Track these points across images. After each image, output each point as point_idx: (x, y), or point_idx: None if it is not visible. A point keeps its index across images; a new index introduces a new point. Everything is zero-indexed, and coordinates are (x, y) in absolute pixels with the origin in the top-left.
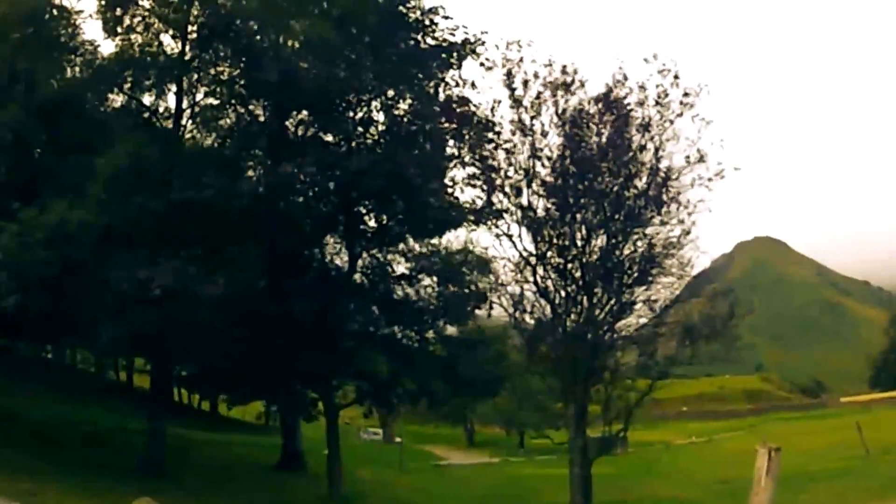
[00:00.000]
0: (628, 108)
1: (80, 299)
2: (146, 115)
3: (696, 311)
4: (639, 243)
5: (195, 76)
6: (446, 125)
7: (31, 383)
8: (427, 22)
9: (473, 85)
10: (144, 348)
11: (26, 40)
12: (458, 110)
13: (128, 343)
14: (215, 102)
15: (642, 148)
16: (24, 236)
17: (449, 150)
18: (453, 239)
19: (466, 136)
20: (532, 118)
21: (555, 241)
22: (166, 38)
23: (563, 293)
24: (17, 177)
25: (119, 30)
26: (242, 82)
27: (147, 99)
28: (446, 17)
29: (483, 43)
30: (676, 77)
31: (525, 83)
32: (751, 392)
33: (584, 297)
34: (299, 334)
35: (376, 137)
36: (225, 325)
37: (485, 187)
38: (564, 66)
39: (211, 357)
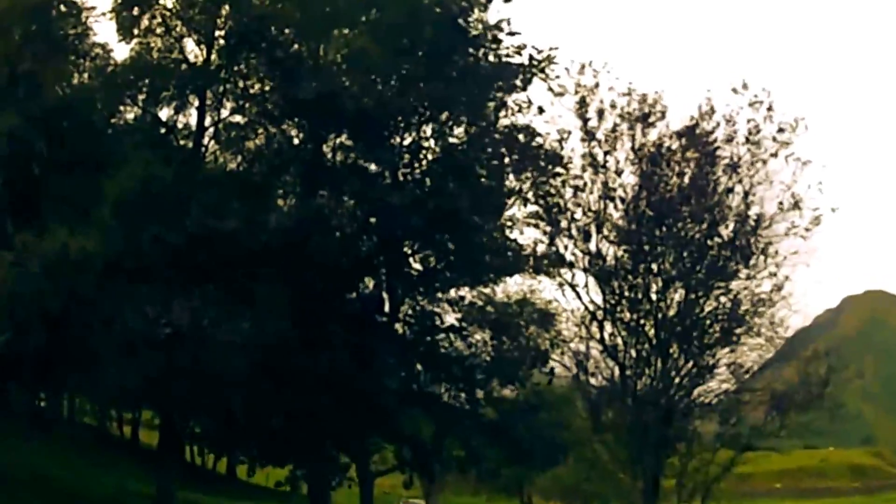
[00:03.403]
0: (715, 144)
1: (82, 339)
2: (162, 131)
3: (790, 375)
4: (722, 299)
5: (221, 89)
6: (507, 156)
7: (22, 435)
8: (490, 38)
9: (540, 111)
10: (153, 398)
11: (30, 38)
12: (521, 140)
13: (136, 391)
14: (242, 120)
15: (729, 191)
16: (20, 264)
17: (508, 185)
18: (510, 287)
19: (529, 170)
20: (606, 153)
21: (626, 293)
22: (189, 44)
23: (633, 353)
24: (13, 195)
25: (135, 32)
26: (275, 98)
27: (164, 113)
28: (512, 34)
29: (553, 61)
30: (770, 110)
31: (600, 113)
32: (857, 468)
33: (658, 358)
34: (331, 389)
35: (425, 167)
36: (246, 374)
37: (548, 229)
38: (644, 96)
39: (229, 411)
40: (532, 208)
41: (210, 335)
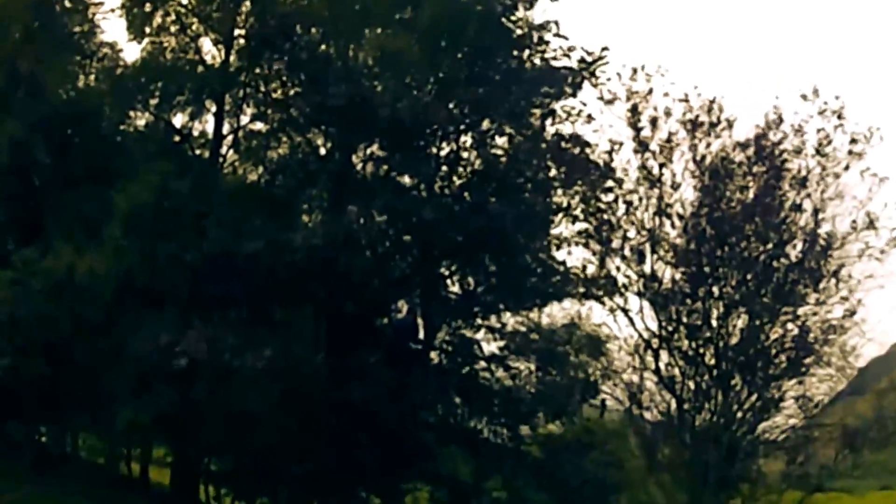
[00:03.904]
0: (782, 157)
1: (89, 369)
2: (177, 139)
3: (864, 409)
4: (789, 326)
5: (240, 93)
6: (553, 169)
7: (22, 474)
8: (535, 39)
9: (590, 119)
10: (167, 434)
11: (31, 36)
12: (569, 151)
13: (149, 427)
14: (264, 128)
15: (798, 208)
16: (21, 284)
17: (555, 201)
18: (556, 313)
19: (578, 184)
20: (661, 165)
21: (684, 319)
22: (206, 44)
23: (691, 385)
24: (13, 210)
25: (147, 30)
26: (300, 104)
27: (178, 119)
28: (559, 35)
29: (604, 63)
30: (841, 118)
31: (654, 121)
32: None
33: (719, 391)
34: (361, 424)
35: (465, 180)
36: (269, 408)
37: (598, 249)
38: (705, 103)
39: (250, 448)
40: (581, 226)
41: (230, 365)
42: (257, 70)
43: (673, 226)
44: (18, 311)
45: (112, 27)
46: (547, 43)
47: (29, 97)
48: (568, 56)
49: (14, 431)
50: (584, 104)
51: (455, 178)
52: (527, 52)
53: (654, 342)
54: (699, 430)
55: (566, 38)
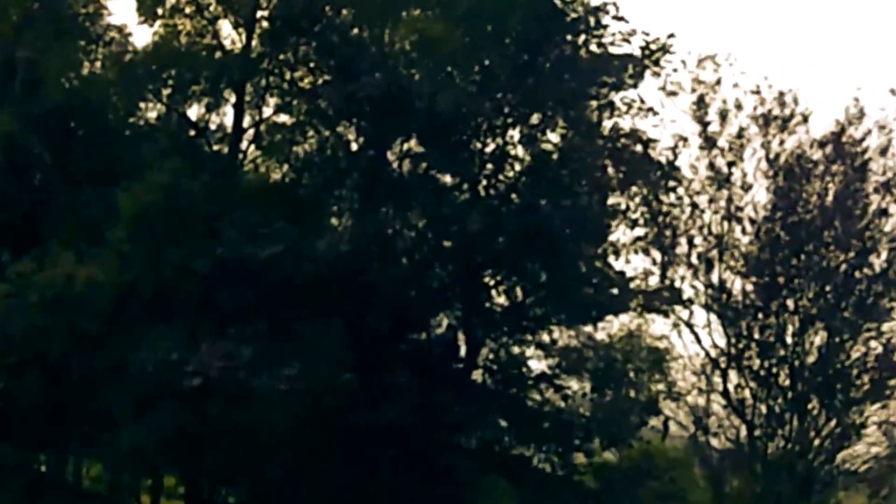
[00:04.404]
0: (865, 156)
1: (90, 387)
2: (191, 133)
3: None
4: (873, 343)
5: (263, 83)
6: (611, 167)
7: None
8: (592, 23)
9: (652, 112)
10: (177, 462)
11: (30, 19)
12: (628, 147)
13: (156, 454)
14: (289, 121)
15: (882, 213)
16: (16, 297)
17: (612, 203)
18: (614, 327)
19: (638, 185)
20: (730, 164)
21: (755, 335)
22: (225, 27)
23: (763, 408)
24: (8, 214)
25: (160, 12)
26: (329, 95)
27: (194, 111)
28: (619, 19)
29: (669, 51)
30: None
31: (722, 115)
32: None
33: (794, 416)
34: (394, 450)
35: (512, 180)
36: (289, 432)
37: (660, 257)
38: (780, 95)
39: (267, 476)
40: (641, 231)
41: (246, 384)
42: (282, 56)
43: (744, 231)
44: (12, 325)
45: (120, 8)
46: (605, 27)
47: (27, 88)
48: (628, 42)
49: (6, 456)
50: (645, 96)
51: (501, 178)
52: (582, 37)
53: (723, 361)
54: (772, 458)
55: (626, 22)
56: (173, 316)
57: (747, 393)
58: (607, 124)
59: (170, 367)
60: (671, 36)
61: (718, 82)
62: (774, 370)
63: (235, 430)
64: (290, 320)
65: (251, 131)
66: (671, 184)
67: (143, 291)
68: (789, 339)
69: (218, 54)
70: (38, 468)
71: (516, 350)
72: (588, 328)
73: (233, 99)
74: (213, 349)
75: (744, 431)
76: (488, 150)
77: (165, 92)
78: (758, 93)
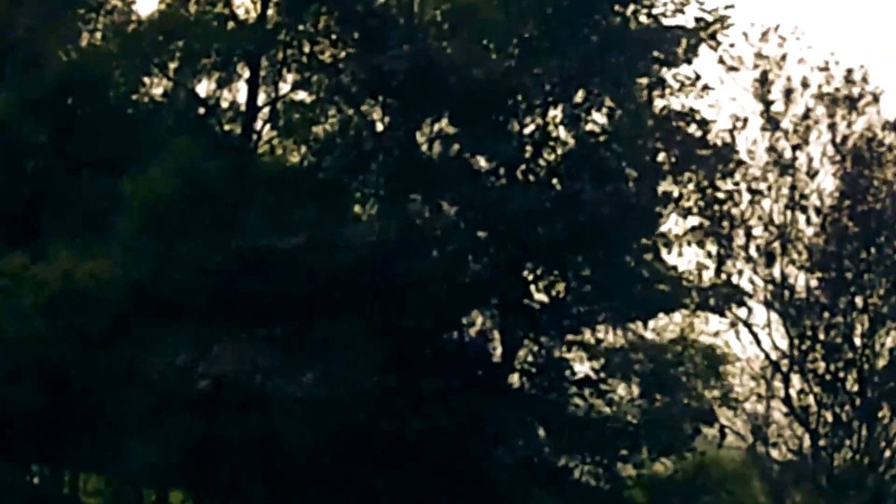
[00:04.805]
0: None
1: (92, 395)
2: (201, 111)
3: None
4: None
5: (280, 56)
6: (663, 151)
7: None
8: None
9: (708, 90)
10: (186, 475)
11: None
12: (681, 129)
13: (164, 467)
14: (309, 98)
15: None
16: (10, 297)
17: (664, 190)
18: (665, 326)
19: (693, 171)
20: (795, 147)
21: (821, 336)
22: None
23: (829, 416)
24: (3, 205)
25: None
26: (353, 69)
27: (203, 87)
28: None
29: (728, 23)
30: None
31: (787, 94)
32: None
33: (863, 425)
34: (425, 462)
35: (554, 164)
36: (311, 444)
37: (717, 249)
38: (850, 72)
39: (290, 492)
40: (695, 221)
41: (263, 390)
42: (300, 27)
43: (808, 221)
44: (6, 328)
45: None
46: None
47: (22, 66)
48: (681, 12)
49: (2, 472)
50: (701, 73)
51: (542, 162)
52: (631, 7)
53: (784, 364)
54: (838, 471)
55: None
56: (184, 315)
57: (811, 399)
58: (658, 103)
59: (180, 372)
60: (730, 6)
61: (783, 58)
62: (841, 374)
63: (251, 442)
64: (312, 320)
65: (266, 109)
66: (729, 169)
67: (152, 289)
68: (858, 341)
69: (230, 24)
70: (32, 481)
71: (558, 352)
72: (636, 327)
73: (246, 74)
74: (227, 351)
75: (807, 441)
76: (528, 131)
77: (172, 66)
78: (825, 70)
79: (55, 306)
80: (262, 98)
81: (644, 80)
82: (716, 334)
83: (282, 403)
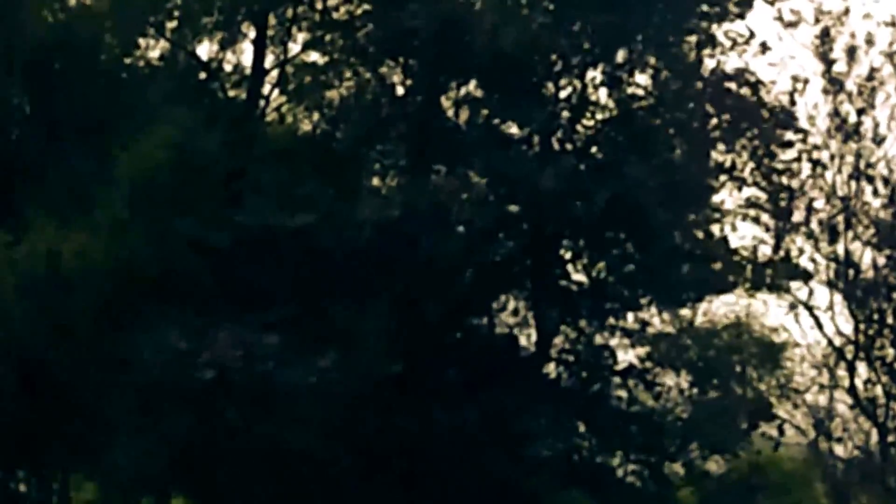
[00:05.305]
0: None
1: (80, 389)
2: (202, 76)
3: None
4: None
5: (289, 13)
6: (714, 116)
7: None
8: None
9: (764, 49)
10: (184, 477)
11: None
12: (734, 92)
13: (159, 467)
14: (321, 60)
15: None
16: None
17: (716, 159)
18: (718, 310)
19: (747, 137)
20: (860, 112)
21: (889, 320)
22: None
23: None
24: None
25: None
26: (370, 28)
27: (204, 49)
28: None
29: None
30: None
31: (850, 52)
32: None
33: None
34: (450, 460)
35: (593, 132)
36: (325, 438)
37: (774, 224)
38: None
39: (297, 495)
40: (750, 192)
41: (271, 379)
42: None
43: (875, 193)
44: None
45: None
46: None
47: (3, 25)
48: None
49: None
50: (751, 33)
51: (579, 129)
52: None
53: (849, 351)
54: None
55: None
56: (183, 300)
57: (878, 390)
58: (709, 63)
59: (177, 361)
60: None
61: (846, 12)
62: None
63: (258, 437)
64: (325, 303)
65: (274, 73)
66: (787, 136)
67: (147, 270)
68: None
69: None
70: (17, 488)
71: (598, 339)
72: (686, 311)
73: (252, 34)
74: (230, 337)
75: (874, 437)
76: (563, 94)
77: (170, 25)
78: (894, 25)
79: (37, 290)
80: (269, 60)
81: (692, 39)
82: (775, 328)
83: (291, 394)
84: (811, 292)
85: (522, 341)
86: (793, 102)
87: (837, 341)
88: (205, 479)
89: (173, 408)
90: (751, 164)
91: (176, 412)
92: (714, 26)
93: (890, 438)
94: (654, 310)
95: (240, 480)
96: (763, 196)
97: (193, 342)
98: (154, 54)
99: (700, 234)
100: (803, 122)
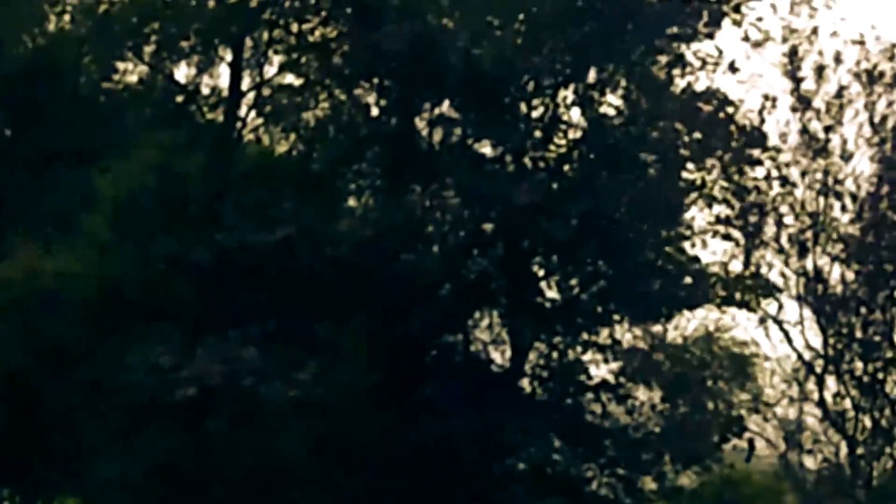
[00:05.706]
0: None
1: (64, 407)
2: (180, 99)
3: None
4: None
5: (265, 36)
6: (684, 135)
7: None
8: None
9: (733, 68)
10: (172, 495)
11: None
12: (703, 110)
13: (146, 486)
14: (297, 82)
15: None
16: None
17: (687, 177)
18: (689, 324)
19: (717, 155)
20: (828, 129)
21: (858, 334)
22: None
23: (867, 421)
24: None
25: None
26: (346, 49)
27: (182, 72)
28: None
29: None
30: None
31: (819, 70)
32: None
33: None
34: (429, 474)
35: (565, 150)
36: (307, 452)
37: (744, 240)
38: (893, 46)
39: None
40: (721, 210)
41: (253, 394)
42: (287, 3)
43: (843, 209)
44: None
45: None
46: None
47: None
48: None
49: None
50: (724, 49)
51: (552, 147)
52: None
53: (818, 364)
54: (878, 483)
55: None
56: (165, 317)
57: (848, 403)
58: (679, 83)
59: (161, 377)
60: None
61: (814, 31)
62: (880, 375)
63: (241, 452)
64: (305, 319)
65: (251, 95)
66: (756, 153)
67: (128, 291)
68: None
69: (211, 3)
70: None
71: (572, 353)
72: (657, 327)
73: (229, 57)
74: (212, 353)
75: (844, 449)
76: (536, 114)
77: (148, 49)
78: (861, 44)
79: (18, 308)
80: (246, 83)
81: (662, 58)
82: (744, 342)
83: (275, 408)
84: (781, 307)
85: (497, 357)
86: (762, 121)
87: (807, 355)
88: (191, 496)
89: (158, 425)
90: (721, 182)
91: (161, 429)
92: (683, 46)
93: (859, 451)
94: (626, 325)
95: (226, 497)
96: (733, 212)
97: (177, 359)
98: (132, 78)
99: (671, 251)
100: (773, 140)
